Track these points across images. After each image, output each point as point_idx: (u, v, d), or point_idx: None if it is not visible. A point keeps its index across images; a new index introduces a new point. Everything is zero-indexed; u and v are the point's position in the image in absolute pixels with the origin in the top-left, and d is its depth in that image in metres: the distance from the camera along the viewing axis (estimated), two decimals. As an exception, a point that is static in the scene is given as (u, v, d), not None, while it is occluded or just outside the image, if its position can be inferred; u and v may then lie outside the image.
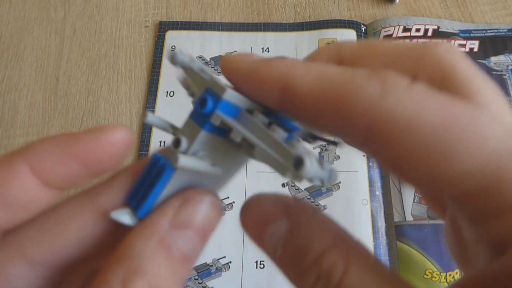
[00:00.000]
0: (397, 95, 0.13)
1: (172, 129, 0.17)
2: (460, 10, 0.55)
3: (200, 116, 0.15)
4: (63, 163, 0.15)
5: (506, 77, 0.50)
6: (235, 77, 0.16)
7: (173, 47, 0.53)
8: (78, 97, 0.51)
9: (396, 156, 0.13)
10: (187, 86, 0.17)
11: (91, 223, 0.16)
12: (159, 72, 0.52)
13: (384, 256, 0.43)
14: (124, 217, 0.15)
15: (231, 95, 0.15)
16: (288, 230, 0.15)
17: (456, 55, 0.15)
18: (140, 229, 0.15)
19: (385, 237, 0.44)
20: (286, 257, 0.15)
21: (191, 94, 0.17)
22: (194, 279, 0.42)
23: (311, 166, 0.13)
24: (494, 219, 0.13)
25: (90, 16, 0.56)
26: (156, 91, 0.50)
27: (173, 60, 0.16)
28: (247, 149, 0.15)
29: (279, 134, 0.15)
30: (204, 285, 0.42)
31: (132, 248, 0.14)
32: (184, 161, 0.15)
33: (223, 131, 0.16)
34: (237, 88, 0.16)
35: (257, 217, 0.16)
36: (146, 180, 0.16)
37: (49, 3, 0.57)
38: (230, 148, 0.16)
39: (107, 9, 0.56)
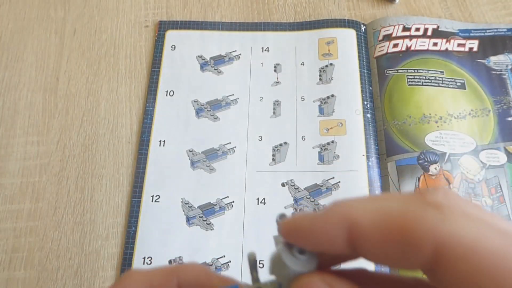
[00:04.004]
0: (457, 220, 0.14)
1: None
2: (460, 10, 0.55)
3: None
4: None
5: (505, 76, 0.50)
6: (297, 235, 0.16)
7: (173, 46, 0.53)
8: (78, 97, 0.51)
9: (459, 277, 0.13)
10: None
11: None
12: (159, 71, 0.52)
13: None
14: None
15: None
16: None
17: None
18: None
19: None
20: None
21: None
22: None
23: None
24: None
25: (90, 16, 0.56)
26: (156, 90, 0.50)
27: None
28: None
29: None
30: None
31: None
32: None
33: None
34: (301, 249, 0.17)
35: None
36: None
37: (49, 3, 0.57)
38: None
39: (107, 9, 0.57)
